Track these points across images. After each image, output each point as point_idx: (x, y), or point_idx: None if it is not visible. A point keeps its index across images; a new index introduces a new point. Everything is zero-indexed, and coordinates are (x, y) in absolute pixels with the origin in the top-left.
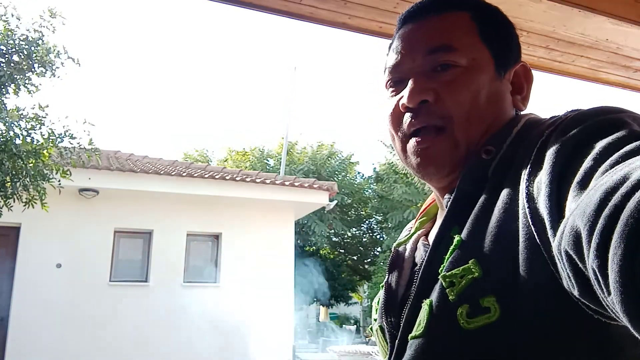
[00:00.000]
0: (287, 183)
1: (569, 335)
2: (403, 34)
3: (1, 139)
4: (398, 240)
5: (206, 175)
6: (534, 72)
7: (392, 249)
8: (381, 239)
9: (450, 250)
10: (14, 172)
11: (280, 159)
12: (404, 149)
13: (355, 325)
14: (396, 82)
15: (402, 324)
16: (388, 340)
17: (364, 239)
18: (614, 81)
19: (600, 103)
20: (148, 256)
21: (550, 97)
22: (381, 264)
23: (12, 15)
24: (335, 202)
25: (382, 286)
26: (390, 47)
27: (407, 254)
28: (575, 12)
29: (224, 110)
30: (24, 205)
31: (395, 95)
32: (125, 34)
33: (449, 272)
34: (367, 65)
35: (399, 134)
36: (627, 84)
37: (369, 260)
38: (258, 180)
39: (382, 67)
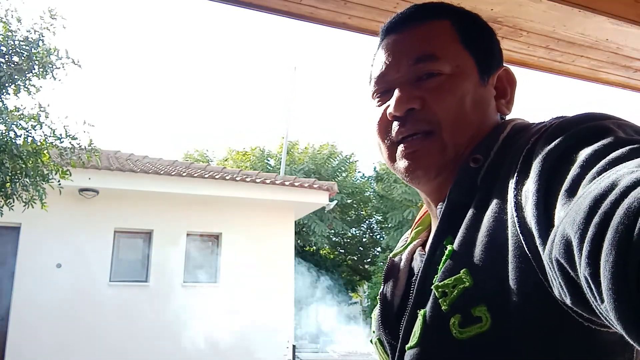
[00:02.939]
0: (287, 183)
1: (559, 343)
2: (387, 45)
3: (1, 140)
4: (394, 251)
5: (206, 175)
6: (534, 72)
7: (388, 260)
8: (381, 239)
9: (442, 261)
10: (14, 173)
11: (281, 159)
12: (391, 156)
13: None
14: (382, 92)
15: (400, 335)
16: (388, 352)
17: (364, 239)
18: (614, 81)
19: (600, 107)
20: (148, 256)
21: (550, 97)
22: (381, 264)
23: (12, 17)
24: (335, 202)
25: (378, 298)
26: (374, 58)
27: (402, 264)
28: (575, 12)
29: (224, 110)
30: (24, 206)
31: (381, 105)
32: (126, 34)
33: (442, 282)
34: (367, 66)
35: (386, 141)
36: (627, 84)
37: (369, 260)
38: (258, 180)
39: (367, 78)
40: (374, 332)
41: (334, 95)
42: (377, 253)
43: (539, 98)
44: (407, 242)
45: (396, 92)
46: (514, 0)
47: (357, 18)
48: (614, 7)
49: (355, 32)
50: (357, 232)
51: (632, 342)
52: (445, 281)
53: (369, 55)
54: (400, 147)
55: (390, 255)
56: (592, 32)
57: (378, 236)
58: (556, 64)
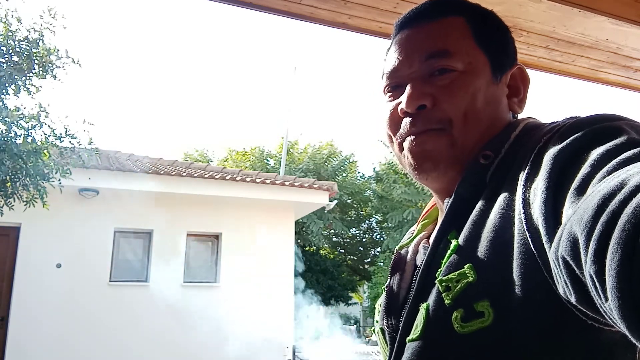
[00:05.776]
0: (287, 183)
1: (560, 341)
2: (400, 40)
3: (1, 139)
4: (401, 243)
5: (206, 175)
6: (534, 72)
7: (395, 252)
8: (381, 239)
9: (447, 255)
10: (14, 172)
11: (280, 158)
12: (401, 149)
13: (355, 325)
14: (394, 87)
15: (400, 327)
16: (388, 343)
17: (364, 239)
18: (614, 81)
19: (600, 107)
20: (148, 256)
21: (550, 97)
22: (381, 264)
23: (12, 17)
24: (335, 202)
25: (384, 289)
26: (387, 53)
27: (408, 256)
28: (575, 12)
29: (224, 110)
30: (25, 205)
31: (393, 100)
32: (126, 34)
33: (446, 277)
34: (367, 66)
35: (396, 136)
36: (627, 84)
37: (369, 260)
38: (258, 180)
39: (379, 73)
40: (377, 321)
41: (334, 95)
42: (377, 253)
43: (538, 98)
44: (414, 235)
45: (408, 89)
46: (514, 0)
47: (357, 18)
48: (614, 7)
49: (355, 32)
50: (357, 232)
51: (634, 341)
52: (449, 275)
53: (368, 55)
54: (410, 139)
55: (397, 247)
56: (592, 32)
57: (378, 236)
58: (556, 64)
